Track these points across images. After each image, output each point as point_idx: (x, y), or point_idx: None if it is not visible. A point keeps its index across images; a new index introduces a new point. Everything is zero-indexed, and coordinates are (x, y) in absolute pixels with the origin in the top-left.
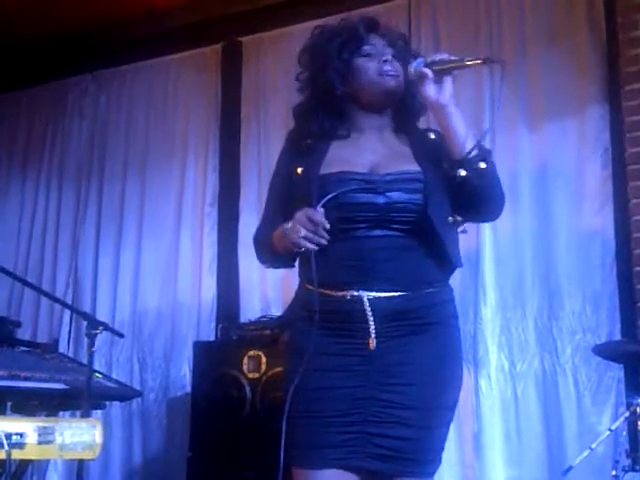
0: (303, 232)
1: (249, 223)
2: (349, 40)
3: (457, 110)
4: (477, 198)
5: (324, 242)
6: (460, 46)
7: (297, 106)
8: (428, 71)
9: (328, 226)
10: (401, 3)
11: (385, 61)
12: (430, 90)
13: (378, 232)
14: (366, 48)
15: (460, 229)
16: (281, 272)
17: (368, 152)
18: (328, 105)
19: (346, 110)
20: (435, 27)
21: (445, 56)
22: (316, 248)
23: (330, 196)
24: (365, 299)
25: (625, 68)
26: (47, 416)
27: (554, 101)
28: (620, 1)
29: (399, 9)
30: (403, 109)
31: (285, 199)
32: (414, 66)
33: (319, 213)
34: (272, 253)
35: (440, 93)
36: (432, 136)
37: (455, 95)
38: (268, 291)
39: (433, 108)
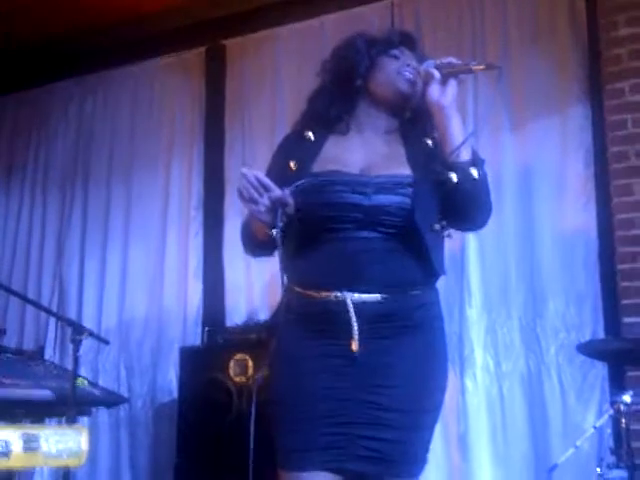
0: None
1: (234, 226)
2: (381, 41)
3: (457, 115)
4: (464, 205)
5: (261, 205)
6: (443, 47)
7: (312, 91)
8: (435, 72)
9: (290, 204)
10: (384, 5)
11: (408, 65)
12: (434, 91)
13: (363, 234)
14: (394, 52)
15: (446, 234)
16: (267, 275)
17: (362, 152)
18: (342, 92)
19: (356, 103)
20: (418, 29)
21: (453, 60)
22: (277, 230)
23: (300, 182)
24: (349, 300)
25: (606, 68)
26: (32, 423)
27: (536, 101)
28: (601, 2)
29: (382, 11)
30: (413, 121)
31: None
32: (424, 66)
33: (263, 176)
34: (251, 237)
35: (443, 95)
36: (429, 142)
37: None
38: (254, 295)
39: (434, 109)
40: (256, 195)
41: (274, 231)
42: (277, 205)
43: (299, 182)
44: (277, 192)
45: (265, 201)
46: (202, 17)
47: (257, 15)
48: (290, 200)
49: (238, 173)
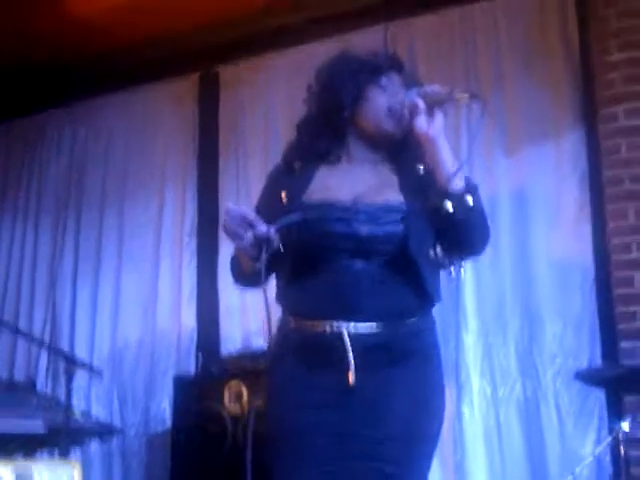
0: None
1: (228, 253)
2: (369, 67)
3: (445, 143)
4: (462, 232)
5: (246, 241)
6: (437, 74)
7: (301, 119)
8: (420, 102)
9: (274, 240)
10: (377, 30)
11: (397, 101)
12: (421, 122)
13: (358, 263)
14: (383, 80)
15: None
16: (262, 302)
17: (354, 182)
18: (330, 124)
19: (345, 133)
20: (412, 55)
21: (437, 88)
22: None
23: (289, 220)
24: (344, 330)
25: (600, 92)
26: (25, 456)
27: (530, 126)
28: (594, 27)
29: (375, 37)
30: (403, 148)
31: (267, 218)
32: (408, 97)
33: (252, 213)
34: (239, 269)
35: (431, 126)
36: (421, 170)
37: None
38: (249, 322)
39: (422, 140)
40: (241, 231)
41: (257, 265)
42: (261, 241)
43: (284, 219)
44: (261, 229)
45: (249, 237)
46: (195, 44)
47: (250, 42)
48: (274, 237)
49: (232, 199)
